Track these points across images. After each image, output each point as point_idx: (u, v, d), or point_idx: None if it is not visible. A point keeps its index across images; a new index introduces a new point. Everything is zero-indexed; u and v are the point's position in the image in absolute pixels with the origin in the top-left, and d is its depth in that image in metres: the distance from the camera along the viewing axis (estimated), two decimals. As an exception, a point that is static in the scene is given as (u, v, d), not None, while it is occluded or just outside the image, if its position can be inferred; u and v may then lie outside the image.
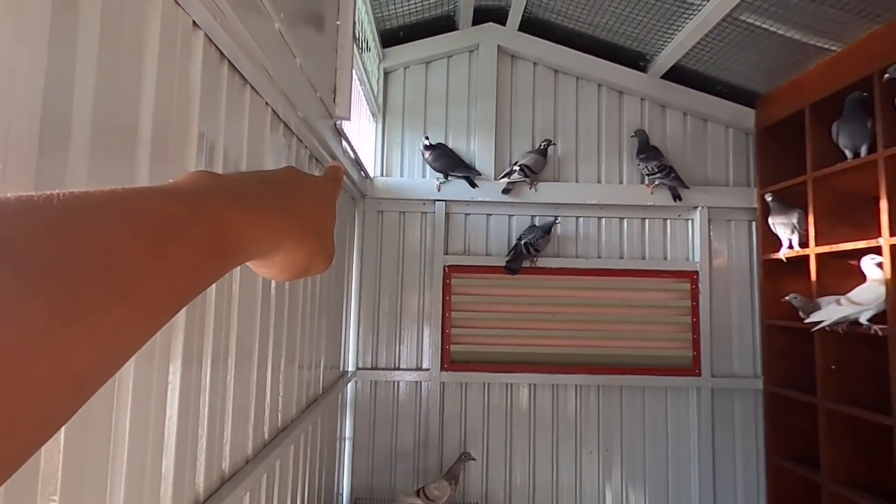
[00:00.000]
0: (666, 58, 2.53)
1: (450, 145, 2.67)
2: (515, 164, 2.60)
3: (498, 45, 2.70)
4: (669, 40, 2.44)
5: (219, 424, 1.01)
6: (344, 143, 1.95)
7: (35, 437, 0.17)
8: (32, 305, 0.16)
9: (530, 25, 2.67)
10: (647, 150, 2.62)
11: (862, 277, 2.01)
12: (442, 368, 2.59)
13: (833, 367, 2.16)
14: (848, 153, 2.10)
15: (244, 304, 1.12)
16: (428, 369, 2.60)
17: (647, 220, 2.73)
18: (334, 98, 1.73)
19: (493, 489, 2.58)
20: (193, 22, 0.84)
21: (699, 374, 2.59)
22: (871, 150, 2.00)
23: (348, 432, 2.54)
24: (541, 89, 2.76)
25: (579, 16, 2.49)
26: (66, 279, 0.17)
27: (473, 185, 2.59)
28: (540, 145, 2.61)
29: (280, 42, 1.15)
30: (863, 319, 1.96)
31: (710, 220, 2.68)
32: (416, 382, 2.62)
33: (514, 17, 2.60)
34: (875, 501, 1.92)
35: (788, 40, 2.20)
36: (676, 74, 2.67)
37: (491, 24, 2.69)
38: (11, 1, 0.50)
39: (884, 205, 1.90)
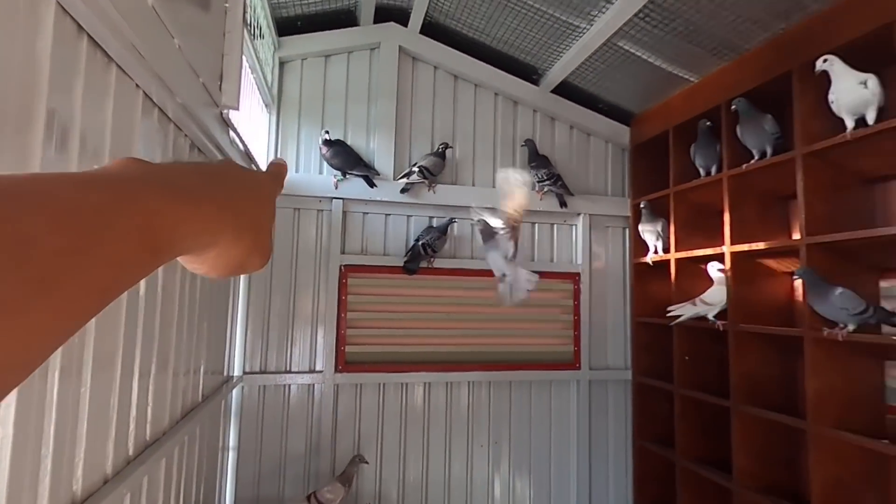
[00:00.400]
0: (556, 74, 2.71)
1: (349, 142, 2.63)
2: (414, 165, 2.62)
3: (399, 46, 2.70)
4: (559, 58, 2.62)
5: (69, 443, 0.90)
6: (232, 133, 1.84)
7: None
8: None
9: (431, 29, 2.71)
10: (537, 158, 2.79)
11: (710, 281, 2.32)
12: (336, 370, 2.53)
13: (686, 357, 2.46)
14: (701, 171, 2.41)
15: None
16: (321, 371, 2.53)
17: (536, 225, 2.90)
18: (220, 85, 1.61)
19: (387, 489, 2.59)
20: (41, -13, 0.74)
21: (579, 368, 2.82)
22: (719, 170, 2.31)
23: (232, 441, 2.39)
24: (441, 93, 2.82)
25: (478, 25, 2.58)
26: None
27: (372, 185, 2.57)
28: (438, 148, 2.66)
29: (154, 20, 1.05)
30: (710, 316, 2.26)
31: (591, 226, 2.92)
32: (309, 385, 2.54)
33: (416, 20, 2.62)
34: (714, 472, 2.22)
35: (657, 68, 2.47)
36: (565, 90, 2.87)
37: (393, 23, 2.68)
38: None
39: (727, 217, 2.21)
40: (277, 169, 0.39)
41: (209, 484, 1.97)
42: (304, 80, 2.65)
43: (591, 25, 2.29)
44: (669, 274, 2.57)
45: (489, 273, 2.73)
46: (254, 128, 2.29)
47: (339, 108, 2.68)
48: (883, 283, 1.89)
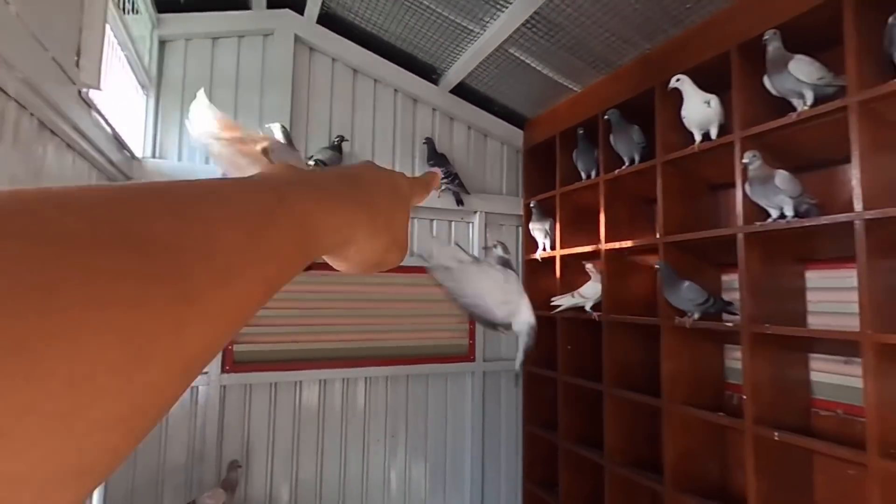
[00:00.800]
0: (453, 74, 2.79)
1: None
2: (310, 158, 2.56)
3: (295, 35, 2.62)
4: (456, 59, 2.69)
5: None
6: (95, 114, 1.67)
7: (149, 419, 0.17)
8: (155, 288, 0.16)
9: (329, 20, 2.66)
10: (435, 156, 2.85)
11: (588, 276, 2.52)
12: (223, 371, 2.41)
13: (569, 347, 2.66)
14: (582, 175, 2.61)
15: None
16: (206, 373, 2.39)
17: (434, 221, 2.97)
18: (77, 61, 1.47)
19: (277, 490, 2.51)
20: None
21: (474, 360, 2.93)
22: (597, 174, 2.52)
23: (100, 452, 2.18)
24: (339, 87, 2.77)
25: (375, 20, 2.57)
26: (181, 264, 0.18)
27: None
28: (334, 141, 2.62)
29: (-21, -18, 0.94)
30: (587, 307, 2.46)
31: (486, 224, 3.05)
32: (192, 387, 2.39)
33: (312, 8, 2.55)
34: (590, 451, 2.43)
35: (545, 76, 2.63)
36: (463, 91, 2.96)
37: (288, 10, 2.59)
38: None
39: (602, 217, 2.42)
40: (428, 177, 0.42)
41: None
42: (188, 62, 2.47)
43: (485, 31, 2.38)
44: (555, 270, 2.75)
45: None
46: (125, 110, 2.10)
47: (229, 95, 2.55)
48: (724, 277, 2.18)
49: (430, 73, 2.92)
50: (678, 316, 1.99)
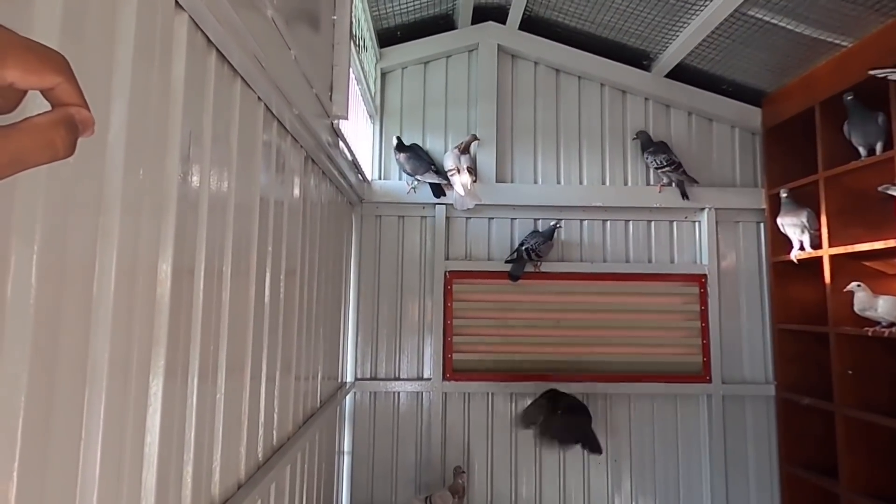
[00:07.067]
0: (670, 56, 2.47)
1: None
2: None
3: (498, 45, 2.63)
4: (674, 38, 2.38)
5: (207, 447, 0.92)
6: (341, 143, 1.88)
7: None
8: None
9: (531, 24, 2.61)
10: (653, 144, 2.56)
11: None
12: (444, 378, 2.50)
13: (850, 371, 2.08)
14: (861, 151, 2.04)
15: (234, 314, 1.03)
16: (429, 379, 2.51)
17: (652, 223, 2.66)
18: (331, 96, 1.65)
19: (499, 501, 2.49)
20: (176, 2, 0.76)
21: (709, 381, 2.51)
22: (887, 146, 1.93)
23: (347, 446, 2.44)
24: (542, 89, 2.69)
25: (581, 13, 2.43)
26: None
27: (438, 195, 2.51)
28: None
29: (273, 31, 1.08)
30: (883, 324, 1.89)
31: (717, 222, 2.61)
32: (417, 393, 2.53)
33: (515, 16, 2.53)
34: (899, 513, 1.84)
35: (798, 36, 2.14)
36: (681, 73, 2.61)
37: (491, 22, 2.62)
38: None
39: (902, 203, 1.84)
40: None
41: (328, 488, 2.02)
42: (404, 88, 2.67)
43: (715, -4, 2.04)
44: (822, 273, 2.20)
45: (600, 277, 2.55)
46: (360, 138, 2.34)
47: (440, 113, 2.67)
48: None
49: (640, 60, 2.65)
50: None
